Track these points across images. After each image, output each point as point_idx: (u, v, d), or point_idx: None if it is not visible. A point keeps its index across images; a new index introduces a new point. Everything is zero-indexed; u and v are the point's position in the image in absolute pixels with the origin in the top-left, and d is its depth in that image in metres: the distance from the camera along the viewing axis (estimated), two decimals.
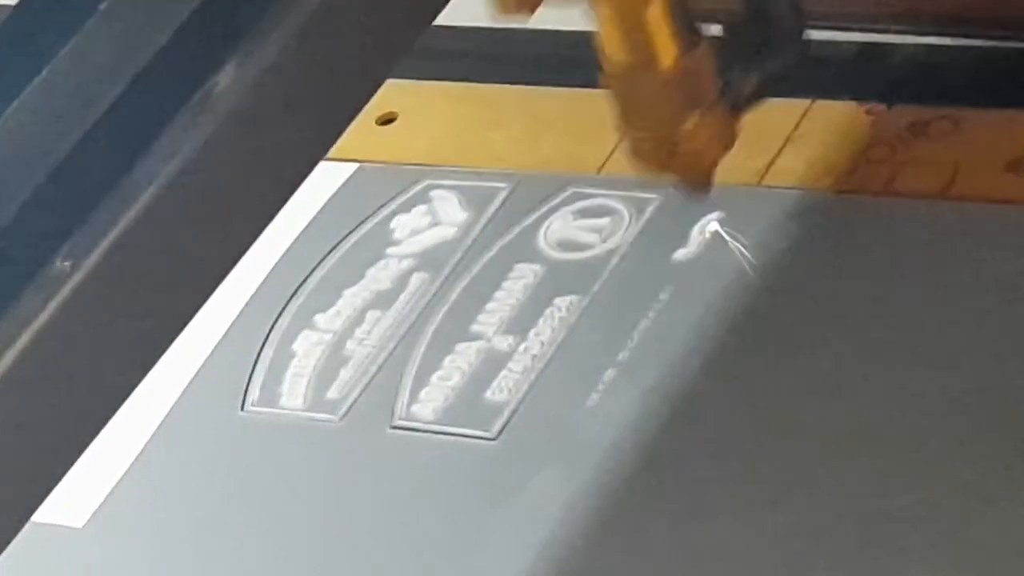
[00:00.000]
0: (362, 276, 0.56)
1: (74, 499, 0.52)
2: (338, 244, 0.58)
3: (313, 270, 0.57)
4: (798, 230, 0.52)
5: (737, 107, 0.49)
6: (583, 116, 0.59)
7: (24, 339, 0.35)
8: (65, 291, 0.35)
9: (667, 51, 0.47)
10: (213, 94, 0.36)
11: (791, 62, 0.49)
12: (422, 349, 0.53)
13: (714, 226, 0.52)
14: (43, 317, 0.35)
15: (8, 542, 0.37)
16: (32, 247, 0.35)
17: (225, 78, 0.36)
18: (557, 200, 0.57)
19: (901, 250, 0.51)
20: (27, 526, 0.35)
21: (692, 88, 0.48)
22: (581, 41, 0.51)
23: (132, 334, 0.37)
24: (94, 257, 0.36)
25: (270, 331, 0.55)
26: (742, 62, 0.49)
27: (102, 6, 0.37)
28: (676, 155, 0.49)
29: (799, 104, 0.55)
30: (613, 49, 0.47)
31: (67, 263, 0.36)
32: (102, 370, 0.36)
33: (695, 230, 0.52)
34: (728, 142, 0.48)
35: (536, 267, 0.54)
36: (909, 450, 0.47)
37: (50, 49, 0.38)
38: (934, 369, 0.47)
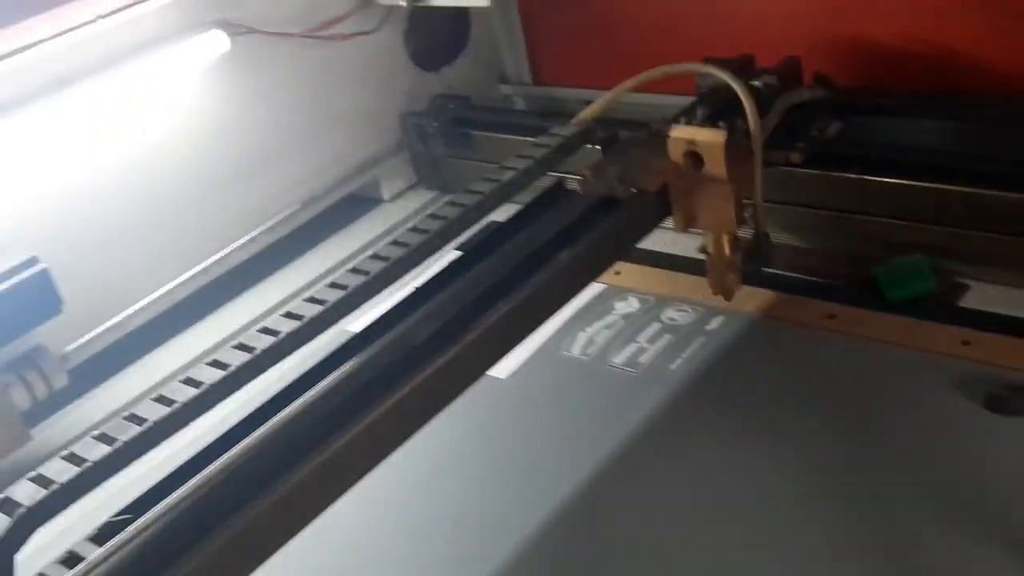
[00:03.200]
0: (603, 319, 1.39)
1: (504, 367, 1.25)
2: (597, 308, 1.40)
3: (590, 315, 1.39)
4: (746, 325, 1.39)
5: (744, 273, 1.27)
6: (683, 281, 1.44)
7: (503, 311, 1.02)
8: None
9: (728, 252, 1.21)
10: None
11: (763, 264, 1.27)
12: (619, 342, 1.36)
13: None
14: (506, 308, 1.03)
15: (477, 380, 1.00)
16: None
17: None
18: (670, 305, 1.40)
19: (779, 342, 1.35)
20: None
21: (733, 265, 1.24)
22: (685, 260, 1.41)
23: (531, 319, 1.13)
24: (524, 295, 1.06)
25: (575, 331, 1.38)
26: (748, 260, 1.25)
27: None
28: (724, 287, 1.27)
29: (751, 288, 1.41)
30: (710, 248, 1.22)
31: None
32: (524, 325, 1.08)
33: (713, 319, 1.37)
34: (740, 283, 1.27)
35: (659, 324, 1.38)
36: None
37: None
38: None
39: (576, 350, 1.37)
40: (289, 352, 0.93)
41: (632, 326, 1.40)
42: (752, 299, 1.39)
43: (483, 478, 1.20)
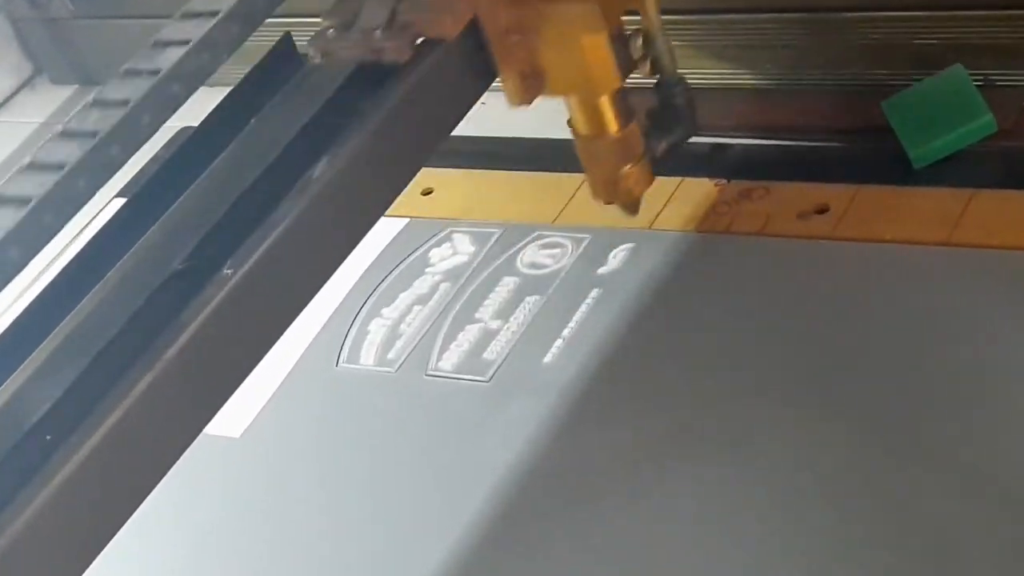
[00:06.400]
0: (410, 285, 0.91)
1: (231, 416, 0.84)
2: (396, 266, 0.93)
3: (381, 281, 0.92)
4: (673, 253, 0.86)
5: (654, 160, 0.77)
6: (546, 190, 0.96)
7: (209, 309, 0.57)
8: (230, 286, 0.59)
9: (612, 126, 0.74)
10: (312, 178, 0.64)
11: (686, 135, 0.78)
12: (445, 328, 0.87)
13: None
14: (216, 301, 0.58)
15: (185, 449, 0.59)
16: (209, 264, 0.60)
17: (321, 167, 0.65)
18: (528, 239, 0.92)
19: (736, 263, 0.85)
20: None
21: (627, 148, 0.76)
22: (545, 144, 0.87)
23: (271, 314, 0.63)
24: (247, 267, 0.59)
25: (354, 318, 0.90)
26: (657, 133, 0.77)
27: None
28: (618, 190, 0.77)
29: (675, 180, 0.90)
30: (580, 125, 0.75)
31: (230, 271, 0.59)
32: (260, 328, 0.62)
33: (611, 255, 0.86)
34: (649, 181, 0.77)
35: (515, 279, 0.88)
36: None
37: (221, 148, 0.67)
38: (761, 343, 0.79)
39: (368, 357, 0.89)
40: None
41: (464, 291, 0.91)
42: (677, 202, 0.91)
43: None
